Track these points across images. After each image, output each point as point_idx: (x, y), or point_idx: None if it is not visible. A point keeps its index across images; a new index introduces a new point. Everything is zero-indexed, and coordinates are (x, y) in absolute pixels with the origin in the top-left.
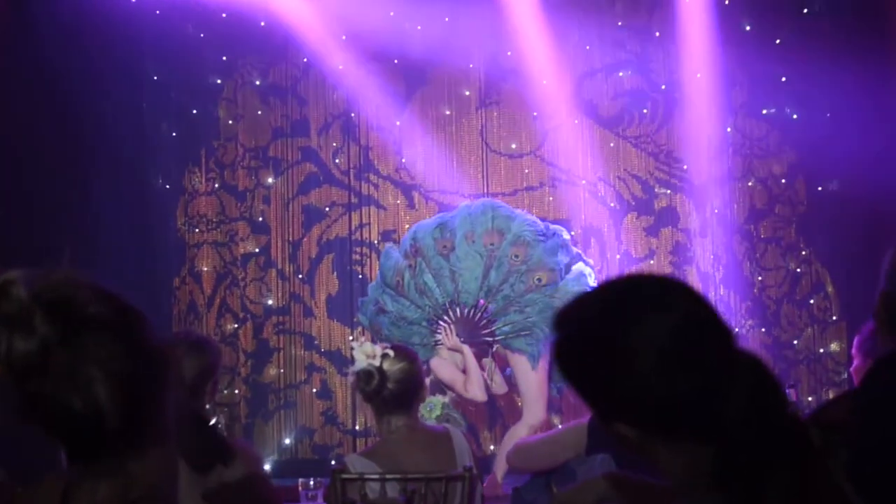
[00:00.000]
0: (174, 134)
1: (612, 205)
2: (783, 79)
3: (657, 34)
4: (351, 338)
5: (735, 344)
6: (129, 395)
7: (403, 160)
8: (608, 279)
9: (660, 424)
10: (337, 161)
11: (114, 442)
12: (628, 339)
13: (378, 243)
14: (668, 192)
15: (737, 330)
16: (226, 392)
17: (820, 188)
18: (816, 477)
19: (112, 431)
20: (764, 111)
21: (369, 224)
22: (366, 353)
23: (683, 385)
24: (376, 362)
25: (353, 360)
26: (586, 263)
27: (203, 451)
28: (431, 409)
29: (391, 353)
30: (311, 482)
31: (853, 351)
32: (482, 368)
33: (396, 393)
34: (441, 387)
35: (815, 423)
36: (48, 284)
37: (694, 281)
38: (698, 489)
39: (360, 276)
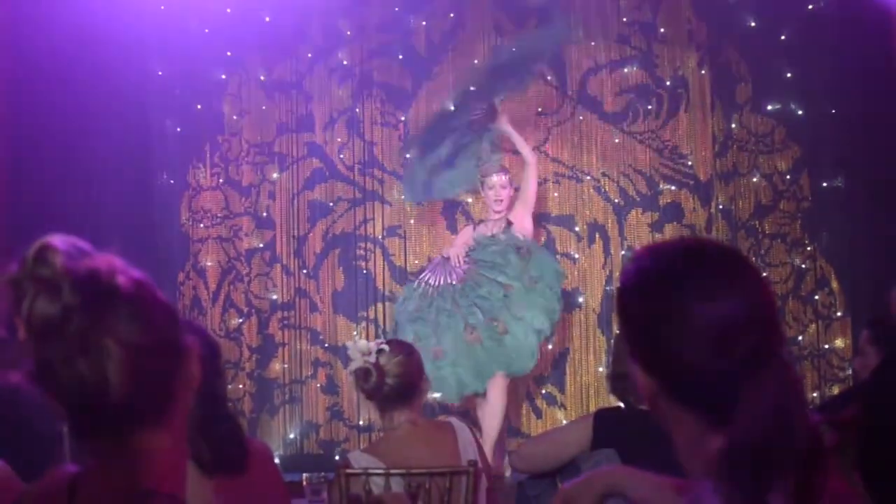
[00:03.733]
0: (179, 129)
1: (616, 200)
2: (788, 74)
3: (662, 30)
4: (355, 332)
5: (778, 343)
6: (139, 372)
7: (408, 155)
8: (691, 238)
9: (674, 388)
10: (342, 156)
11: (117, 417)
12: (684, 304)
13: (383, 238)
14: (673, 187)
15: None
16: (230, 387)
17: (825, 184)
18: (825, 477)
19: (116, 405)
20: (769, 107)
21: (374, 219)
22: (361, 350)
23: (713, 365)
24: (372, 359)
25: (349, 360)
26: None
27: (213, 455)
28: None
29: (386, 347)
30: (316, 477)
31: (860, 346)
32: None
33: (396, 387)
34: None
35: (828, 421)
36: (84, 257)
37: None
38: (706, 477)
39: (365, 272)
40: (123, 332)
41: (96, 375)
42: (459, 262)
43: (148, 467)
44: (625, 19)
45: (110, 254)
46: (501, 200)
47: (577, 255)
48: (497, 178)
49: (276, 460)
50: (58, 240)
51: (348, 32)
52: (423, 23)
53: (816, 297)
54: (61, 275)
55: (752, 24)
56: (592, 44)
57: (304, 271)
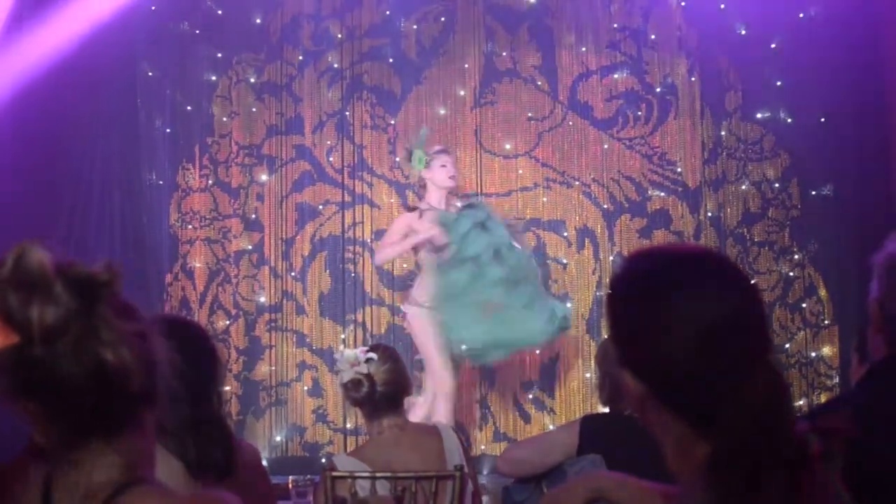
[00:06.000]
0: (168, 130)
1: (605, 206)
2: (778, 83)
3: (652, 36)
4: (343, 336)
5: (766, 349)
6: (142, 361)
7: (398, 159)
8: (679, 244)
9: (662, 393)
10: (331, 159)
11: (130, 406)
12: (673, 308)
13: (371, 242)
14: (662, 194)
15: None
16: None
17: (814, 192)
18: (812, 485)
19: (135, 393)
20: (759, 115)
21: (362, 223)
22: (349, 361)
23: (701, 370)
24: (363, 369)
25: (338, 372)
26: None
27: (201, 457)
28: None
29: (374, 356)
30: (302, 480)
31: (852, 354)
32: None
33: (386, 394)
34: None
35: (813, 429)
36: (63, 259)
37: None
38: (693, 484)
39: (353, 275)
40: (119, 322)
41: (121, 361)
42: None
43: (134, 458)
44: (615, 25)
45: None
46: (454, 176)
47: (566, 261)
48: (447, 156)
49: (264, 462)
50: (31, 242)
51: (339, 35)
52: (414, 27)
53: (804, 306)
54: (50, 273)
55: (743, 31)
56: (583, 49)
57: (292, 274)
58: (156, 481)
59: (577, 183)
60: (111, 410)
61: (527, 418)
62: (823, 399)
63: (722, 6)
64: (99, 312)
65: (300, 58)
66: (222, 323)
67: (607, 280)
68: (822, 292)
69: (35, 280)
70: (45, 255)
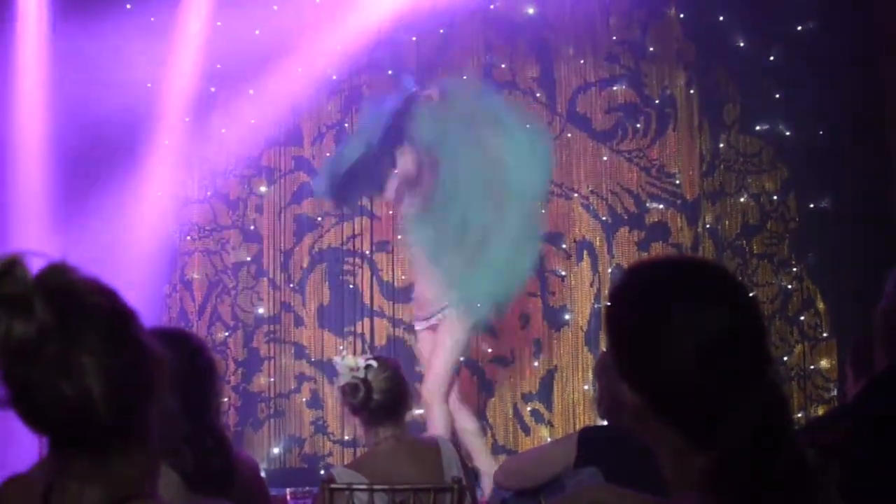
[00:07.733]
0: (167, 141)
1: (604, 218)
2: (777, 95)
3: (651, 49)
4: (342, 347)
5: (765, 362)
6: (120, 389)
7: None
8: (678, 256)
9: (661, 406)
10: None
11: (101, 436)
12: (673, 321)
13: (371, 253)
14: (661, 206)
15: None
16: None
17: (812, 205)
18: (810, 498)
19: (101, 425)
20: (757, 127)
21: (361, 235)
22: (349, 366)
23: (700, 382)
24: (361, 374)
25: (336, 376)
26: None
27: (200, 469)
28: None
29: (374, 363)
30: (300, 492)
31: (847, 368)
32: None
33: (383, 403)
34: None
35: (811, 443)
36: (51, 270)
37: None
38: (690, 496)
39: (352, 287)
40: (102, 348)
41: (81, 396)
42: None
43: (126, 475)
44: (614, 38)
45: (78, 266)
46: None
47: (564, 273)
48: None
49: (262, 474)
50: (18, 253)
51: (338, 47)
52: (413, 38)
53: (802, 318)
54: (31, 289)
55: (741, 44)
56: (582, 62)
57: (291, 285)
58: (153, 497)
59: (575, 195)
60: (86, 437)
61: (526, 430)
62: (821, 412)
63: (720, 18)
64: (77, 337)
65: (299, 69)
66: (221, 334)
67: (606, 292)
68: (820, 305)
69: (15, 297)
70: (28, 271)
